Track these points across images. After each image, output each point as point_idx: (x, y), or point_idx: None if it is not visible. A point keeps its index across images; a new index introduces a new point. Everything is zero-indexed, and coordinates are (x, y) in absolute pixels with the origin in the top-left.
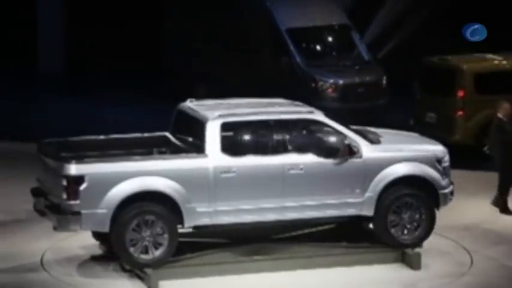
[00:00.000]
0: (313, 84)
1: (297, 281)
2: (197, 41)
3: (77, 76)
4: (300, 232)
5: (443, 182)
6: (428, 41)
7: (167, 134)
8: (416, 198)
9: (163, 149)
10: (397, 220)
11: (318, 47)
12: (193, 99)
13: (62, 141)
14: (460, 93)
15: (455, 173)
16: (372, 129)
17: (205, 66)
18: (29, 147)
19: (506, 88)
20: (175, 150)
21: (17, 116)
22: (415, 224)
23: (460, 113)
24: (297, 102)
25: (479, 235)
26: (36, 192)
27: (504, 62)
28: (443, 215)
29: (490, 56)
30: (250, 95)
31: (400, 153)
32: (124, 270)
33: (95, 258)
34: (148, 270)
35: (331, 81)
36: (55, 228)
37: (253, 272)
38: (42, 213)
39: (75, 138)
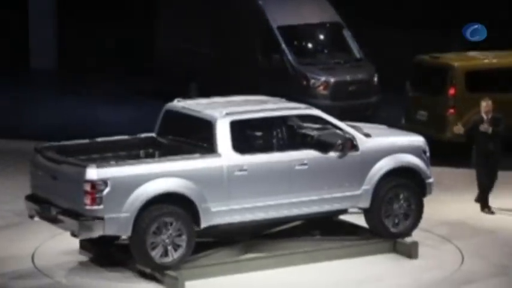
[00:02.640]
0: (305, 82)
1: (321, 274)
2: (188, 39)
3: (68, 74)
4: (279, 228)
5: (428, 172)
6: (425, 40)
7: (153, 135)
8: (407, 189)
9: (151, 151)
10: (390, 211)
11: (310, 45)
12: (181, 99)
13: (56, 146)
14: (451, 91)
15: (447, 171)
16: (350, 123)
17: (196, 65)
18: (18, 146)
19: (497, 86)
20: (167, 152)
21: (7, 114)
22: (405, 214)
23: (451, 110)
24: (282, 99)
25: (470, 231)
26: (36, 199)
27: (495, 60)
28: (435, 211)
29: (481, 54)
30: (242, 93)
31: (392, 146)
32: (142, 274)
33: (96, 261)
34: (174, 273)
35: (323, 79)
36: (74, 235)
37: (270, 268)
38: (53, 220)
39: (67, 142)
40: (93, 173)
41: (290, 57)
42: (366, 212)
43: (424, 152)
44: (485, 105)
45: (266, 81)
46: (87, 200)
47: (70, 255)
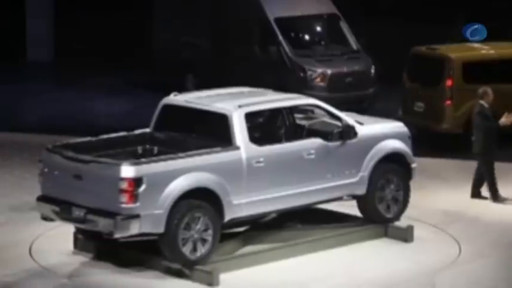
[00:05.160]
0: (302, 74)
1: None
2: (185, 31)
3: (65, 65)
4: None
5: (412, 156)
6: (423, 32)
7: (148, 130)
8: (396, 174)
9: (148, 146)
10: (382, 196)
11: (307, 37)
12: (177, 93)
13: (70, 144)
14: (448, 83)
15: (443, 162)
16: None
17: (193, 56)
18: (15, 138)
19: (493, 77)
20: (170, 147)
21: (4, 106)
22: (394, 198)
23: (448, 102)
24: (270, 90)
25: (463, 219)
26: (51, 200)
27: (492, 51)
28: (431, 202)
29: (477, 45)
30: (240, 86)
31: (383, 132)
32: (169, 271)
33: (103, 258)
34: (206, 267)
35: (320, 70)
36: (109, 234)
37: (288, 257)
38: (79, 221)
39: (77, 140)
40: (129, 170)
41: (287, 49)
42: (360, 199)
43: (409, 137)
44: (492, 95)
45: (263, 73)
46: (124, 198)
47: (73, 251)
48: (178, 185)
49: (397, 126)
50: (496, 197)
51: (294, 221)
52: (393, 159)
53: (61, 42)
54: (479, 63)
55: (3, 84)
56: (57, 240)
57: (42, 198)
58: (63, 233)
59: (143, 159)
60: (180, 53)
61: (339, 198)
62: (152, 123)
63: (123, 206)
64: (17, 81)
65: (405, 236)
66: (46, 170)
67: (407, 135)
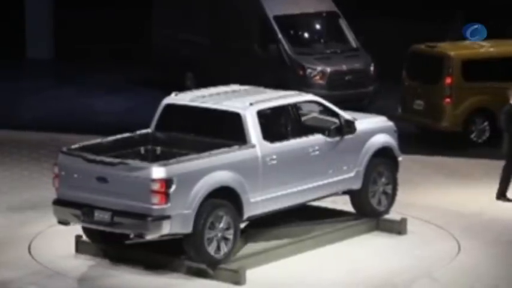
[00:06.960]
0: (301, 72)
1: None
2: (185, 29)
3: (65, 63)
4: None
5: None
6: (423, 30)
7: (150, 130)
8: (386, 167)
9: (149, 147)
10: (374, 190)
11: (306, 35)
12: (178, 92)
13: (87, 146)
14: (448, 81)
15: (443, 160)
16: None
17: (193, 54)
18: (14, 136)
19: (493, 75)
20: (177, 148)
21: (3, 104)
22: (384, 192)
23: (448, 100)
24: (261, 88)
25: (468, 220)
26: (70, 204)
27: (491, 49)
28: (430, 200)
29: (477, 43)
30: (240, 83)
31: (374, 127)
32: (191, 272)
33: (114, 259)
34: (231, 266)
35: (319, 68)
36: (140, 236)
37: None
38: (105, 224)
39: (86, 142)
40: (160, 171)
41: (286, 47)
42: (354, 194)
43: (395, 131)
44: None
45: (262, 71)
46: (155, 199)
47: (75, 254)
48: (205, 184)
49: (383, 120)
50: (501, 195)
51: (286, 218)
52: (382, 153)
53: (61, 40)
54: (478, 61)
55: (2, 81)
56: (56, 239)
57: (59, 202)
58: (62, 231)
59: (172, 160)
60: (179, 51)
61: (335, 194)
62: (154, 123)
63: (155, 207)
64: (17, 78)
65: (399, 228)
66: (63, 173)
67: (393, 129)
